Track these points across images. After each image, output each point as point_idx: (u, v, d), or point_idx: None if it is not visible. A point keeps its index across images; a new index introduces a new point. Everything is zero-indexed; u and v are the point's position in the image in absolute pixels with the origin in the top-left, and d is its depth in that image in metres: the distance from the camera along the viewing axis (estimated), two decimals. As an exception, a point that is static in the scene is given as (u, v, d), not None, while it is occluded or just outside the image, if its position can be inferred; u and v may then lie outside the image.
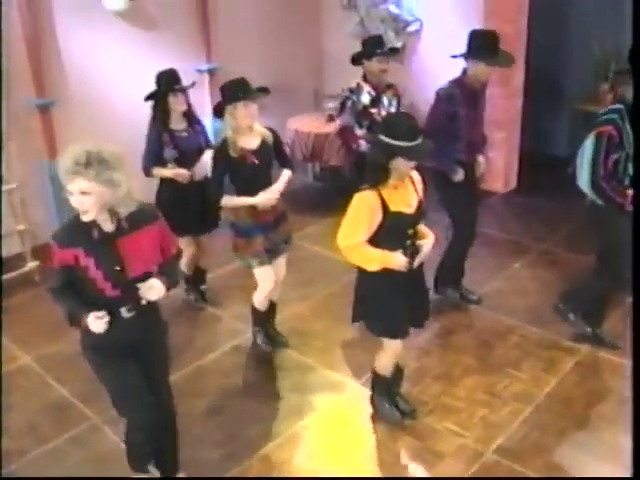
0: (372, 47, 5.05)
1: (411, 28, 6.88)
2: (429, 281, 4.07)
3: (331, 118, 6.69)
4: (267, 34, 7.00)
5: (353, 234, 3.21)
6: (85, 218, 2.66)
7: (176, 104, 4.47)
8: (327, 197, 6.82)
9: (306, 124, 6.73)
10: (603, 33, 6.61)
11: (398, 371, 3.71)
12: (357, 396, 3.95)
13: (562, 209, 6.16)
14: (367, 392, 3.86)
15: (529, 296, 4.94)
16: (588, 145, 3.76)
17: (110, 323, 2.72)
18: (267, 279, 4.11)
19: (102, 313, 2.70)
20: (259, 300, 4.23)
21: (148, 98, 4.49)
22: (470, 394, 3.93)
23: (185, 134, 4.56)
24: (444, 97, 4.31)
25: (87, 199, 2.60)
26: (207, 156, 4.67)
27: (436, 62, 6.50)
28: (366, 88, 5.08)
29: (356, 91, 5.11)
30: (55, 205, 5.64)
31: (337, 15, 7.39)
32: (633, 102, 3.54)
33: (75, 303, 2.77)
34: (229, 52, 6.51)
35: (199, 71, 6.41)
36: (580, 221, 5.81)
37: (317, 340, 4.51)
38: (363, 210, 3.19)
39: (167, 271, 2.92)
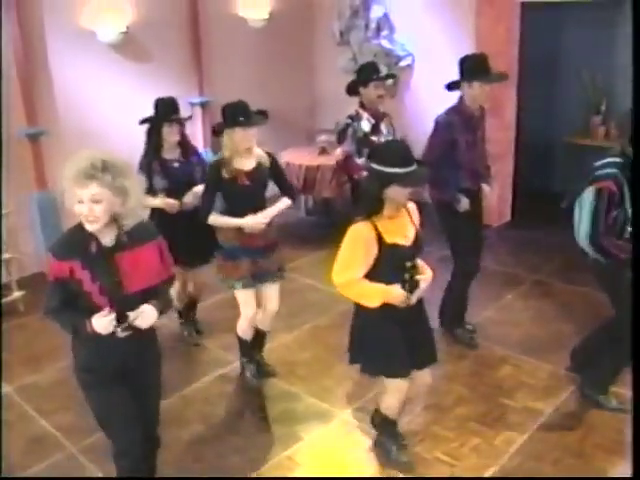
0: (368, 74, 5.02)
1: (403, 63, 6.95)
2: (433, 318, 3.81)
3: (324, 151, 6.69)
4: (260, 68, 7.06)
5: (349, 269, 3.04)
6: (90, 227, 2.57)
7: (169, 134, 4.36)
8: (319, 230, 6.80)
9: (298, 157, 6.72)
10: (594, 67, 6.65)
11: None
12: (344, 426, 3.82)
13: (555, 241, 6.09)
14: (355, 422, 3.79)
15: (522, 326, 4.84)
16: (587, 200, 3.46)
17: (105, 342, 2.61)
18: (248, 304, 4.00)
19: (105, 311, 2.57)
20: (242, 328, 4.12)
21: (143, 122, 4.44)
22: (462, 424, 3.80)
23: (176, 164, 4.43)
24: (443, 125, 4.22)
25: (98, 207, 2.52)
26: (198, 188, 4.51)
27: (428, 96, 6.54)
28: (365, 115, 5.04)
29: (356, 119, 5.05)
30: (43, 236, 5.59)
31: (330, 51, 7.48)
32: (633, 136, 3.33)
33: (76, 314, 2.64)
34: (222, 86, 6.52)
35: (191, 104, 6.43)
36: (573, 253, 5.75)
37: (304, 370, 4.40)
38: (358, 243, 3.03)
39: (161, 293, 2.82)
